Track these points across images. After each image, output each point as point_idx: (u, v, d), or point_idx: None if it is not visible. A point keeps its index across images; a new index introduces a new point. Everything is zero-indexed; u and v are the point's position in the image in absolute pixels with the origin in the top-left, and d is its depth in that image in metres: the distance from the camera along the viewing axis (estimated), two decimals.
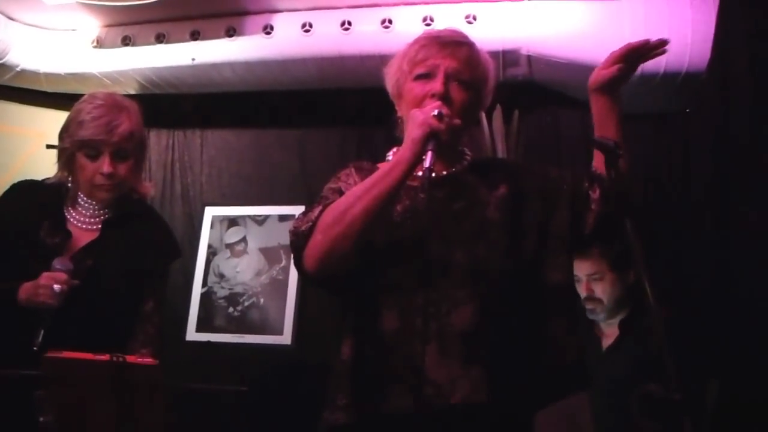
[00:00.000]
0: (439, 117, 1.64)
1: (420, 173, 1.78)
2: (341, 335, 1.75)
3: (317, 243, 1.65)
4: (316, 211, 1.70)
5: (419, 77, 1.78)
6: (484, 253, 1.70)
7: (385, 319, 1.67)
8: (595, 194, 1.76)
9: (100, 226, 2.38)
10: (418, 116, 1.66)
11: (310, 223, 1.68)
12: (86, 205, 2.40)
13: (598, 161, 1.76)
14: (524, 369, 1.66)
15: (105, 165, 2.30)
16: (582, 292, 3.08)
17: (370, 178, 1.66)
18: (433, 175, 1.78)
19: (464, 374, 1.61)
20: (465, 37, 1.87)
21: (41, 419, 1.79)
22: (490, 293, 1.68)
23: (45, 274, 2.15)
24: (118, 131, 2.30)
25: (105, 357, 1.65)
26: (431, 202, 1.63)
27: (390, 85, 1.89)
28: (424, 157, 1.62)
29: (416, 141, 1.63)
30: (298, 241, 1.69)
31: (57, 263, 2.18)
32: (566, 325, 1.75)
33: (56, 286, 2.12)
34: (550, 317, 1.74)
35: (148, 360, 1.76)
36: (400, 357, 1.63)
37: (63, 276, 2.14)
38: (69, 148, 2.38)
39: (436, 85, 1.74)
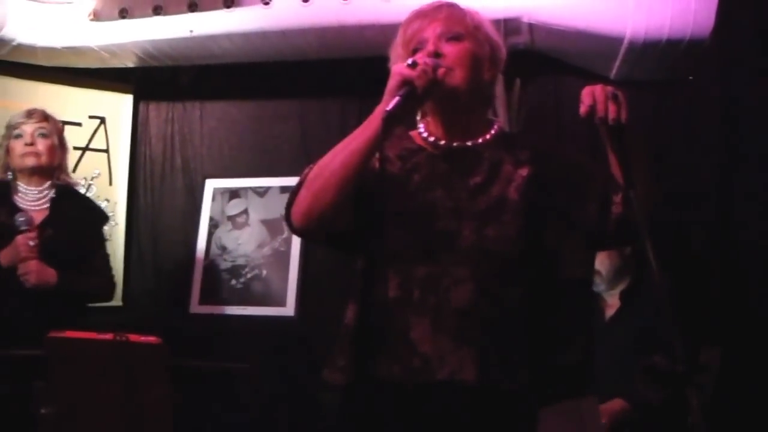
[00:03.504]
0: (413, 65, 1.62)
1: (442, 142, 1.79)
2: (347, 298, 1.76)
3: (302, 197, 1.67)
4: (306, 170, 1.71)
5: (414, 52, 1.75)
6: (494, 234, 1.67)
7: (387, 287, 1.68)
8: (618, 198, 1.72)
9: (47, 205, 3.15)
10: (393, 68, 1.66)
11: (300, 180, 1.70)
12: (26, 191, 3.14)
13: (612, 164, 1.74)
14: (519, 357, 1.64)
15: (27, 136, 3.11)
16: None
17: (352, 133, 1.67)
18: (455, 145, 1.78)
19: (454, 351, 1.61)
20: (442, 1, 1.83)
21: (42, 411, 1.80)
22: (494, 275, 1.65)
23: (18, 237, 2.90)
24: (35, 115, 3.18)
25: (108, 336, 1.66)
26: (389, 130, 1.62)
27: None
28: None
29: (389, 91, 1.61)
30: (290, 198, 1.72)
31: (18, 216, 2.95)
32: (574, 323, 1.74)
33: (30, 242, 2.90)
34: (559, 312, 1.72)
35: (152, 338, 1.76)
36: (396, 326, 1.64)
37: (32, 233, 2.93)
38: (2, 143, 3.18)
39: (428, 47, 1.72)
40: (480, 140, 1.79)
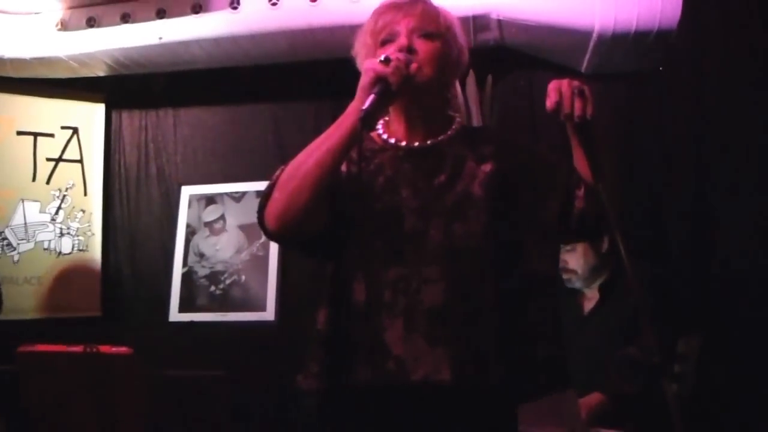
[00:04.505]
0: (386, 61, 1.60)
1: (403, 143, 1.77)
2: (318, 303, 1.73)
3: (275, 200, 1.63)
4: (278, 171, 1.68)
5: (384, 43, 1.74)
6: (461, 231, 1.66)
7: (356, 290, 1.65)
8: (580, 192, 1.72)
9: None
10: (366, 64, 1.64)
11: (272, 182, 1.67)
12: None
13: (578, 159, 1.74)
14: (493, 354, 1.61)
15: None
16: None
17: (325, 132, 1.64)
18: (416, 144, 1.76)
19: (428, 352, 1.58)
20: None
21: None
22: (463, 273, 1.63)
23: None
24: None
25: (78, 348, 1.64)
26: (366, 129, 1.58)
27: (361, 64, 1.84)
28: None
29: (363, 88, 1.59)
30: (261, 200, 1.68)
31: None
32: (545, 317, 1.70)
33: None
34: (530, 307, 1.69)
35: (123, 349, 1.74)
36: (367, 330, 1.62)
37: None
38: None
39: (401, 40, 1.70)
40: (441, 138, 1.78)
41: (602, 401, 2.82)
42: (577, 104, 1.60)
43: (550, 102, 1.61)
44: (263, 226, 1.69)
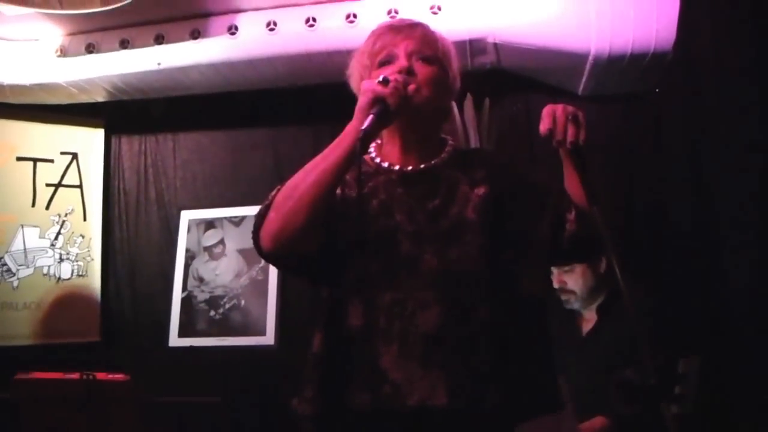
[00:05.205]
0: (384, 82, 1.60)
1: (397, 167, 1.78)
2: (313, 327, 1.72)
3: (271, 220, 1.61)
4: (275, 191, 1.67)
5: (382, 64, 1.75)
6: (456, 256, 1.65)
7: (351, 315, 1.64)
8: (571, 215, 1.72)
9: None
10: (364, 85, 1.64)
11: (267, 203, 1.66)
12: None
13: (571, 182, 1.74)
14: (489, 377, 1.60)
15: None
16: (555, 284, 3.08)
17: (322, 152, 1.63)
18: (410, 168, 1.76)
19: (424, 376, 1.57)
20: (417, 20, 1.83)
21: None
22: (459, 297, 1.63)
23: None
24: None
25: (75, 375, 1.63)
26: (364, 149, 1.58)
27: (356, 84, 1.83)
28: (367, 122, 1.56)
29: (361, 109, 1.59)
30: (256, 221, 1.67)
31: None
32: (538, 339, 1.73)
33: None
34: (523, 329, 1.70)
35: (119, 376, 1.74)
36: (363, 354, 1.61)
37: None
38: None
39: (400, 62, 1.71)
40: (434, 162, 1.78)
41: (606, 425, 2.80)
42: (570, 130, 1.60)
43: (543, 127, 1.61)
44: (258, 246, 1.68)
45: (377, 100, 1.58)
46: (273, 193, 1.67)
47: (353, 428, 1.63)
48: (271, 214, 1.62)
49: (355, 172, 1.63)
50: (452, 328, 1.61)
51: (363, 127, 1.55)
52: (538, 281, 1.76)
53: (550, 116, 1.62)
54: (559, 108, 1.63)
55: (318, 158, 1.62)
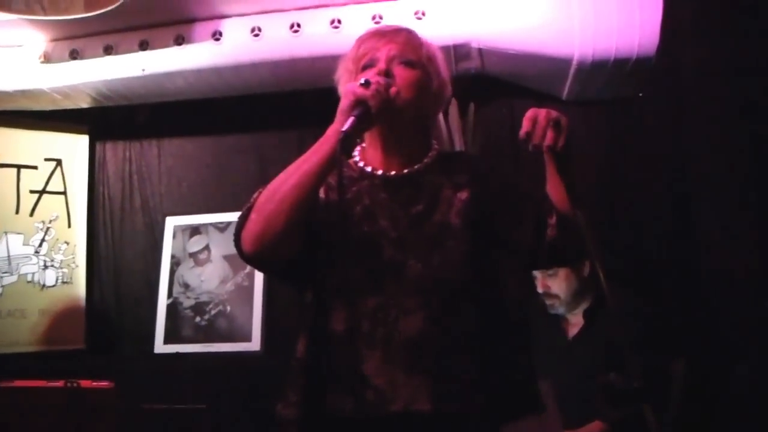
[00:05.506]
0: (366, 84, 1.61)
1: (380, 172, 1.78)
2: (297, 332, 1.73)
3: (252, 222, 1.62)
4: (256, 193, 1.68)
5: (365, 68, 1.75)
6: (439, 261, 1.66)
7: (335, 320, 1.65)
8: (552, 220, 1.73)
9: None
10: (345, 88, 1.65)
11: (249, 205, 1.66)
12: None
13: (553, 186, 1.75)
14: (471, 382, 1.61)
15: None
16: (539, 288, 3.09)
17: (303, 155, 1.63)
18: (393, 173, 1.77)
19: (407, 382, 1.58)
20: (404, 26, 1.85)
21: None
22: (442, 303, 1.63)
23: None
24: None
25: (59, 383, 1.63)
26: (344, 151, 1.59)
27: (341, 89, 1.86)
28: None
29: (342, 111, 1.59)
30: (238, 223, 1.67)
31: None
32: (520, 343, 1.72)
33: None
34: (506, 334, 1.70)
35: (103, 383, 1.73)
36: (347, 360, 1.61)
37: None
38: None
39: (380, 65, 1.72)
40: (417, 167, 1.78)
41: (603, 429, 2.81)
42: (549, 134, 1.61)
43: (522, 130, 1.63)
44: (239, 248, 1.68)
45: (358, 102, 1.59)
46: (255, 195, 1.68)
47: None
48: (252, 216, 1.63)
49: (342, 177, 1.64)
50: (435, 333, 1.62)
51: (343, 129, 1.55)
52: (520, 286, 1.76)
53: (530, 120, 1.63)
54: (542, 112, 1.64)
55: (299, 160, 1.62)
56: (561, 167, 1.71)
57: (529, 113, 1.64)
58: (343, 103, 1.61)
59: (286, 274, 1.78)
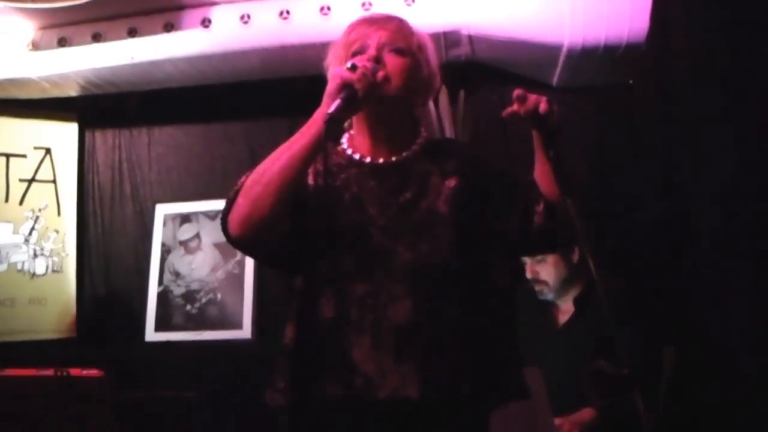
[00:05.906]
0: (352, 68, 1.61)
1: (368, 159, 1.78)
2: (286, 318, 1.73)
3: (239, 205, 1.62)
4: (243, 177, 1.68)
5: (355, 54, 1.75)
6: (428, 249, 1.67)
7: (324, 306, 1.65)
8: (540, 207, 1.74)
9: None
10: (332, 71, 1.65)
11: (236, 188, 1.67)
12: None
13: (542, 173, 1.76)
14: (461, 368, 1.62)
15: None
16: (527, 274, 3.10)
17: (290, 138, 1.64)
18: (381, 161, 1.77)
19: (396, 369, 1.58)
20: (395, 15, 1.85)
21: None
22: (430, 290, 1.64)
23: None
24: None
25: (49, 372, 1.63)
26: (330, 134, 1.59)
27: None
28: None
29: (329, 94, 1.59)
30: (225, 206, 1.68)
31: None
32: (508, 329, 1.74)
33: None
34: (494, 320, 1.71)
35: (93, 372, 1.73)
36: (336, 346, 1.62)
37: None
38: None
39: (370, 51, 1.72)
40: (405, 154, 1.79)
41: (594, 416, 2.82)
42: (532, 98, 1.63)
43: (508, 109, 1.64)
44: (226, 232, 1.69)
45: (345, 86, 1.59)
46: (242, 179, 1.68)
47: (326, 418, 1.65)
48: (239, 200, 1.63)
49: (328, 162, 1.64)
50: (424, 320, 1.62)
51: (329, 111, 1.56)
52: (508, 273, 1.77)
53: (519, 97, 1.64)
54: (533, 95, 1.65)
55: (286, 144, 1.63)
56: (548, 143, 1.70)
57: (517, 92, 1.65)
58: (330, 87, 1.61)
59: (275, 259, 1.79)
